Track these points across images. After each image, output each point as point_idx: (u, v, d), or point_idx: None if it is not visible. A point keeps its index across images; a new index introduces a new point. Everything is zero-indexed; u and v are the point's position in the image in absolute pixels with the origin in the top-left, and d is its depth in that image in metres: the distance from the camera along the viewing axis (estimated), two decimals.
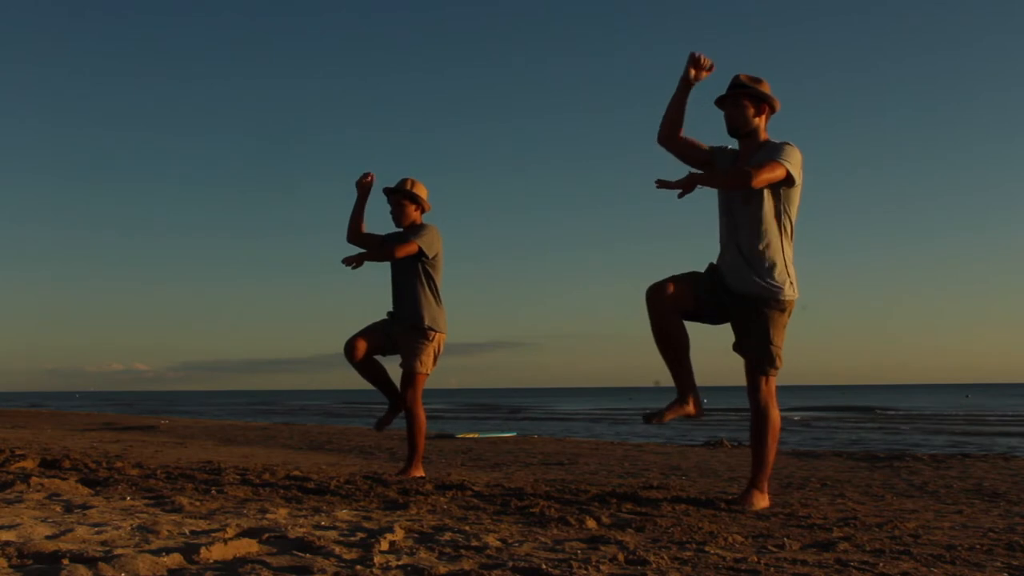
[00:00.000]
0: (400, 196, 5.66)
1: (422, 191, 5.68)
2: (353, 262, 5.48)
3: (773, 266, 4.02)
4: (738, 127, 4.13)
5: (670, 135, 4.17)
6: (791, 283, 4.05)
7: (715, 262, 4.19)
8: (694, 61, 4.08)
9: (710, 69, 4.10)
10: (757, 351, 4.05)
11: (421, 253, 5.55)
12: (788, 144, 4.04)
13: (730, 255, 4.09)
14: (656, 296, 4.03)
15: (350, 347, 5.58)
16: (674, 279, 4.07)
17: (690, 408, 4.10)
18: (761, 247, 4.02)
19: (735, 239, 4.08)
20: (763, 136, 4.15)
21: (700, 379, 4.16)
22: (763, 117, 4.14)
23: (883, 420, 25.65)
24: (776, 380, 4.12)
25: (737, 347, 4.15)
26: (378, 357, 5.71)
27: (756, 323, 4.04)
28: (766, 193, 4.02)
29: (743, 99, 4.12)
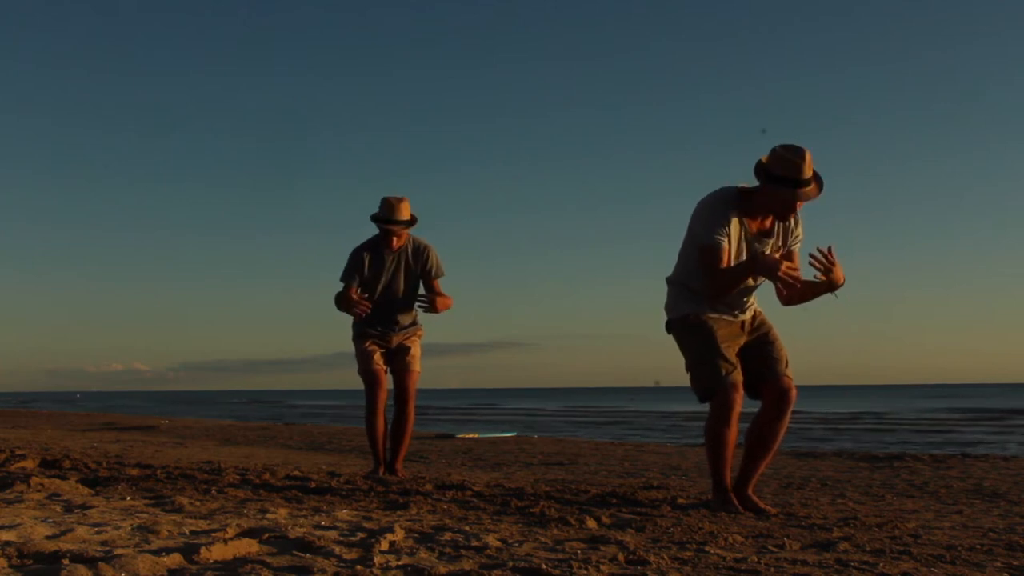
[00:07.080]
0: (403, 227, 5.28)
1: (410, 210, 5.33)
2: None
3: None
4: (794, 214, 3.91)
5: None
6: None
7: (732, 316, 3.97)
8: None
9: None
10: (784, 348, 4.05)
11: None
12: None
13: (746, 295, 4.01)
14: (734, 406, 3.89)
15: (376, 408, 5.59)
16: (739, 390, 3.89)
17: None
18: None
19: (755, 283, 4.01)
20: None
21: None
22: None
23: (884, 422, 25.64)
24: None
25: (767, 368, 3.98)
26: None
27: (772, 329, 4.05)
28: None
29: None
